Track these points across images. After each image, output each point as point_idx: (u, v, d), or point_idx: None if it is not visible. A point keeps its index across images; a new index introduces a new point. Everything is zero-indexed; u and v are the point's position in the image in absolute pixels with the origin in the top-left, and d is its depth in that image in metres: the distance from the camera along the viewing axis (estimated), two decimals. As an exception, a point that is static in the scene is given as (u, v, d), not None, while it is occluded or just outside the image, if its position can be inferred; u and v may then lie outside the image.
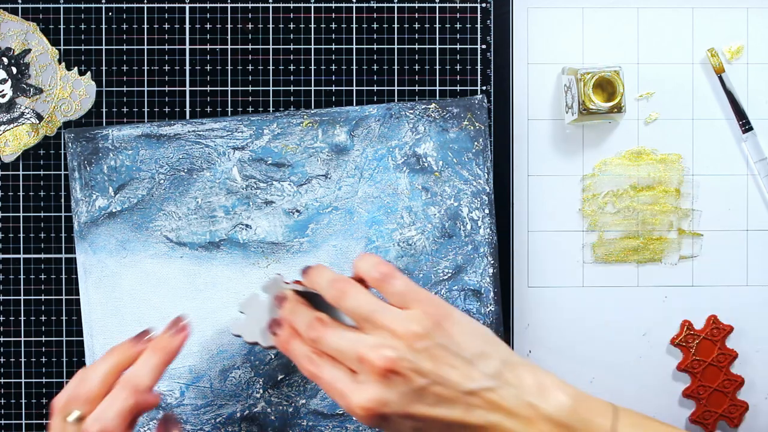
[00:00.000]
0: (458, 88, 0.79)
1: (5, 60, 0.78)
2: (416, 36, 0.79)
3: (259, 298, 0.70)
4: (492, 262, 0.78)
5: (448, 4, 0.79)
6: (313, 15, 0.79)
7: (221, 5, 0.79)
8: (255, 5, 0.79)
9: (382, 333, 0.62)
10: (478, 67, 0.80)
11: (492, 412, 0.62)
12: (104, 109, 0.79)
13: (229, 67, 0.79)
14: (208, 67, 0.79)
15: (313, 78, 0.79)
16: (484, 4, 0.79)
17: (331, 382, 0.63)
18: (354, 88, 0.79)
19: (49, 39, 0.78)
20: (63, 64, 0.78)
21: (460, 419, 0.62)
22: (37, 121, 0.78)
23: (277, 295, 0.69)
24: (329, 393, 0.63)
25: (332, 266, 0.78)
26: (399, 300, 0.64)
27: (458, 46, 0.79)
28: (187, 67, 0.79)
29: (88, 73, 0.78)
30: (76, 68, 0.78)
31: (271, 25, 0.79)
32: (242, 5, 0.79)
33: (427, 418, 0.62)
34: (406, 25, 0.79)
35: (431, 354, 0.62)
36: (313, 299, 0.67)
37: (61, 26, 0.79)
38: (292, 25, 0.79)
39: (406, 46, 0.79)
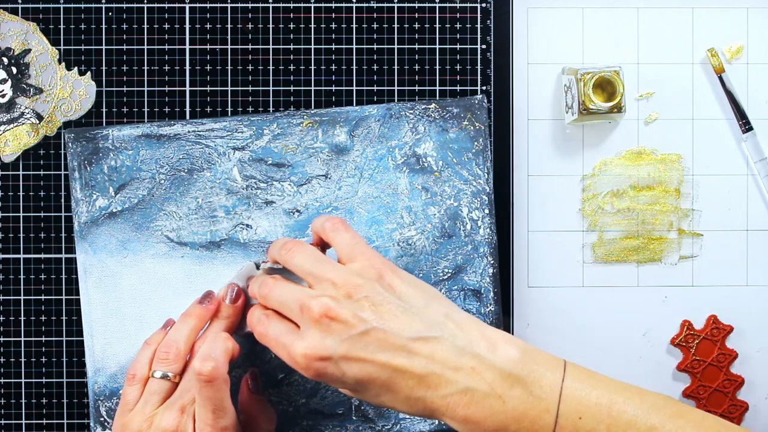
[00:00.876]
0: (458, 88, 0.79)
1: (5, 60, 0.78)
2: (416, 36, 0.79)
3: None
4: (492, 262, 0.78)
5: (448, 4, 0.79)
6: (313, 15, 0.79)
7: (221, 5, 0.79)
8: (255, 5, 0.79)
9: (324, 284, 0.63)
10: (478, 67, 0.80)
11: (434, 362, 0.61)
12: (104, 109, 0.79)
13: (229, 67, 0.79)
14: (208, 67, 0.79)
15: (313, 78, 0.79)
16: (484, 4, 0.79)
17: (276, 337, 0.64)
18: (354, 88, 0.79)
19: (49, 39, 0.78)
20: (63, 64, 0.78)
21: (401, 366, 0.61)
22: (37, 121, 0.78)
23: (249, 277, 0.72)
24: (276, 350, 0.64)
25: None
26: (346, 251, 0.65)
27: (458, 46, 0.79)
28: (187, 67, 0.79)
29: (88, 73, 0.78)
30: (76, 68, 0.78)
31: (271, 25, 0.79)
32: (242, 5, 0.79)
33: (368, 361, 0.61)
34: (406, 25, 0.79)
35: (372, 302, 0.62)
36: (286, 276, 0.69)
37: (61, 26, 0.79)
38: (292, 25, 0.79)
39: (406, 46, 0.79)
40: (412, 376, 0.61)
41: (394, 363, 0.61)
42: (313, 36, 0.79)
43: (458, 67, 0.80)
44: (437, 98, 0.79)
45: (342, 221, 0.67)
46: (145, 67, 0.79)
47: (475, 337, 0.62)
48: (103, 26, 0.79)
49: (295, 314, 0.64)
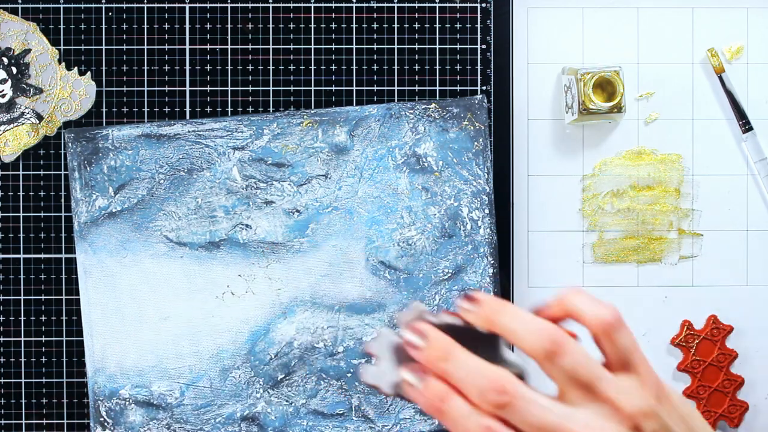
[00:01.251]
0: (458, 88, 0.79)
1: (5, 60, 0.78)
2: (416, 36, 0.79)
3: (390, 336, 0.52)
4: (492, 262, 0.78)
5: (448, 4, 0.79)
6: (313, 15, 0.79)
7: (221, 5, 0.79)
8: (255, 5, 0.79)
9: (603, 405, 0.48)
10: (478, 67, 0.80)
11: None
12: (104, 109, 0.79)
13: (229, 67, 0.79)
14: (208, 67, 0.79)
15: (313, 78, 0.79)
16: (484, 4, 0.79)
17: None
18: (354, 88, 0.79)
19: (49, 39, 0.78)
20: (63, 64, 0.78)
21: None
22: (37, 121, 0.78)
23: (413, 325, 0.50)
24: None
25: (332, 266, 0.78)
26: (620, 357, 0.49)
27: (458, 46, 0.79)
28: (187, 67, 0.79)
29: (88, 73, 0.78)
30: (76, 68, 0.78)
31: (271, 25, 0.79)
32: (242, 5, 0.79)
33: None
34: (406, 25, 0.79)
35: None
36: (456, 333, 0.50)
37: (61, 26, 0.79)
38: (292, 25, 0.79)
39: (406, 46, 0.79)
40: None
41: None
42: (313, 36, 0.79)
43: (458, 67, 0.79)
44: (437, 98, 0.79)
45: (619, 313, 0.50)
46: (145, 67, 0.79)
47: None
48: (103, 26, 0.79)
49: None
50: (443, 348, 0.49)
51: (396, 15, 0.79)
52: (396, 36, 0.79)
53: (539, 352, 0.48)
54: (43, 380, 0.79)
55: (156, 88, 0.79)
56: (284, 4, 0.79)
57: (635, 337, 0.49)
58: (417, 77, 0.79)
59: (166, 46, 0.79)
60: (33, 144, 0.78)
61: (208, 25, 0.79)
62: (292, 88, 0.79)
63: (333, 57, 0.79)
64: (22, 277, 0.79)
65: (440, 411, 0.48)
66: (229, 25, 0.79)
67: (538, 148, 0.80)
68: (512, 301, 0.80)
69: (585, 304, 0.49)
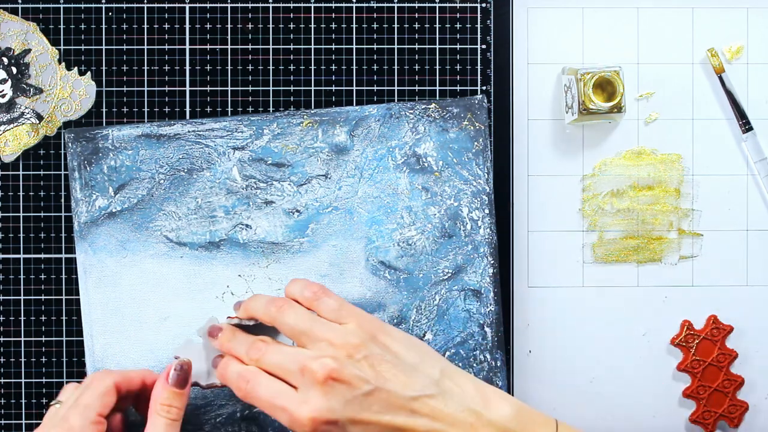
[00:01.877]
0: (458, 88, 0.79)
1: (5, 60, 0.78)
2: (416, 36, 0.79)
3: (194, 341, 0.71)
4: (492, 262, 0.78)
5: (448, 4, 0.79)
6: (313, 15, 0.79)
7: (221, 5, 0.79)
8: (255, 5, 0.79)
9: (321, 345, 0.63)
10: (478, 67, 0.80)
11: (435, 420, 0.63)
12: (104, 109, 0.79)
13: (229, 67, 0.79)
14: (208, 67, 0.79)
15: (313, 78, 0.79)
16: (484, 4, 0.79)
17: (271, 398, 0.63)
18: (354, 88, 0.79)
19: (49, 39, 0.78)
20: (63, 64, 0.78)
21: (404, 425, 0.62)
22: (37, 121, 0.78)
23: (211, 327, 0.69)
24: (270, 410, 0.63)
25: (332, 266, 0.78)
26: (333, 317, 0.65)
27: (458, 46, 0.79)
28: (187, 67, 0.79)
29: (88, 73, 0.78)
30: (76, 68, 0.78)
31: (271, 25, 0.79)
32: (242, 5, 0.79)
33: (372, 423, 0.62)
34: (406, 25, 0.79)
35: (371, 362, 0.63)
36: (251, 332, 0.69)
37: (61, 26, 0.79)
38: (292, 25, 0.79)
39: (406, 46, 0.79)
40: None
41: (397, 423, 0.63)
42: (313, 36, 0.79)
43: (458, 67, 0.80)
44: (437, 98, 0.79)
45: (321, 287, 0.67)
46: (145, 67, 0.79)
47: (469, 392, 0.64)
48: (103, 26, 0.79)
49: (294, 376, 0.64)
50: (229, 333, 0.68)
51: (396, 15, 0.79)
52: (396, 36, 0.79)
53: (265, 317, 0.66)
54: (43, 380, 0.79)
55: (156, 88, 0.79)
56: (284, 4, 0.79)
57: (341, 299, 0.66)
58: (417, 77, 0.79)
59: (166, 46, 0.79)
60: (33, 144, 0.78)
61: (208, 25, 0.79)
62: (292, 88, 0.79)
63: (333, 57, 0.79)
64: (22, 277, 0.79)
65: (224, 376, 0.66)
66: (229, 25, 0.79)
67: (538, 148, 0.80)
68: (512, 301, 0.80)
69: (294, 291, 0.67)
